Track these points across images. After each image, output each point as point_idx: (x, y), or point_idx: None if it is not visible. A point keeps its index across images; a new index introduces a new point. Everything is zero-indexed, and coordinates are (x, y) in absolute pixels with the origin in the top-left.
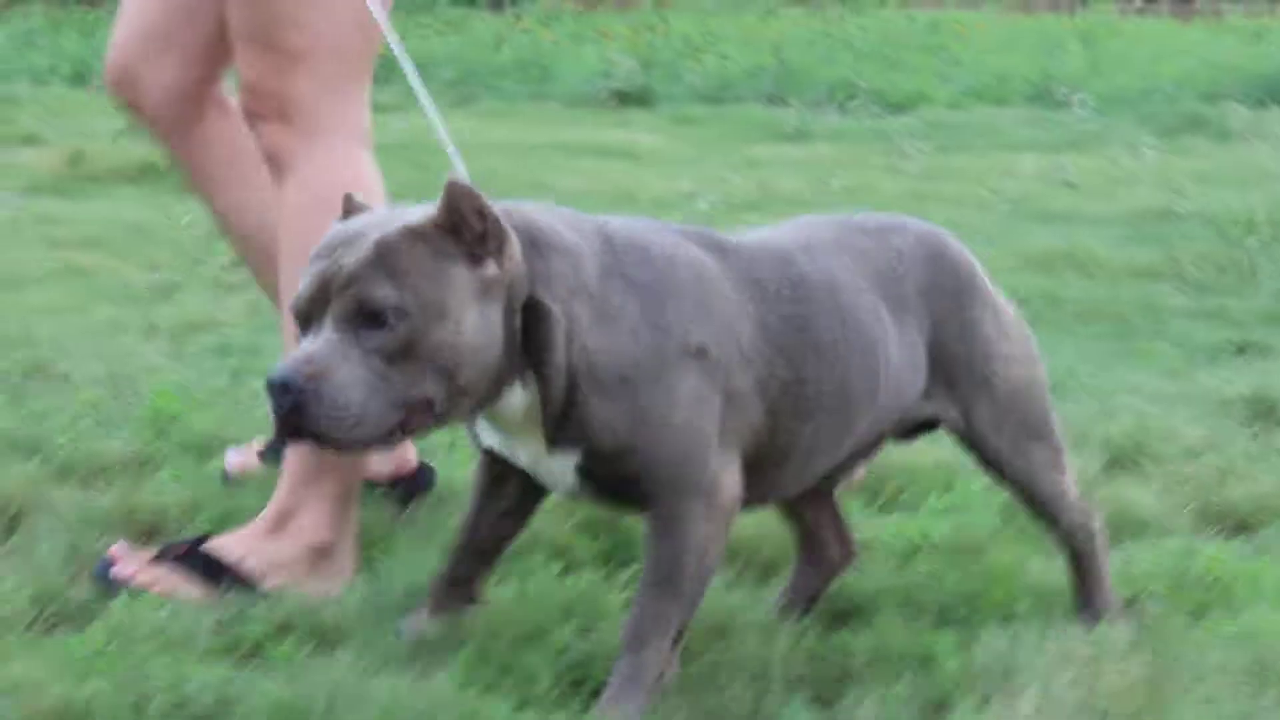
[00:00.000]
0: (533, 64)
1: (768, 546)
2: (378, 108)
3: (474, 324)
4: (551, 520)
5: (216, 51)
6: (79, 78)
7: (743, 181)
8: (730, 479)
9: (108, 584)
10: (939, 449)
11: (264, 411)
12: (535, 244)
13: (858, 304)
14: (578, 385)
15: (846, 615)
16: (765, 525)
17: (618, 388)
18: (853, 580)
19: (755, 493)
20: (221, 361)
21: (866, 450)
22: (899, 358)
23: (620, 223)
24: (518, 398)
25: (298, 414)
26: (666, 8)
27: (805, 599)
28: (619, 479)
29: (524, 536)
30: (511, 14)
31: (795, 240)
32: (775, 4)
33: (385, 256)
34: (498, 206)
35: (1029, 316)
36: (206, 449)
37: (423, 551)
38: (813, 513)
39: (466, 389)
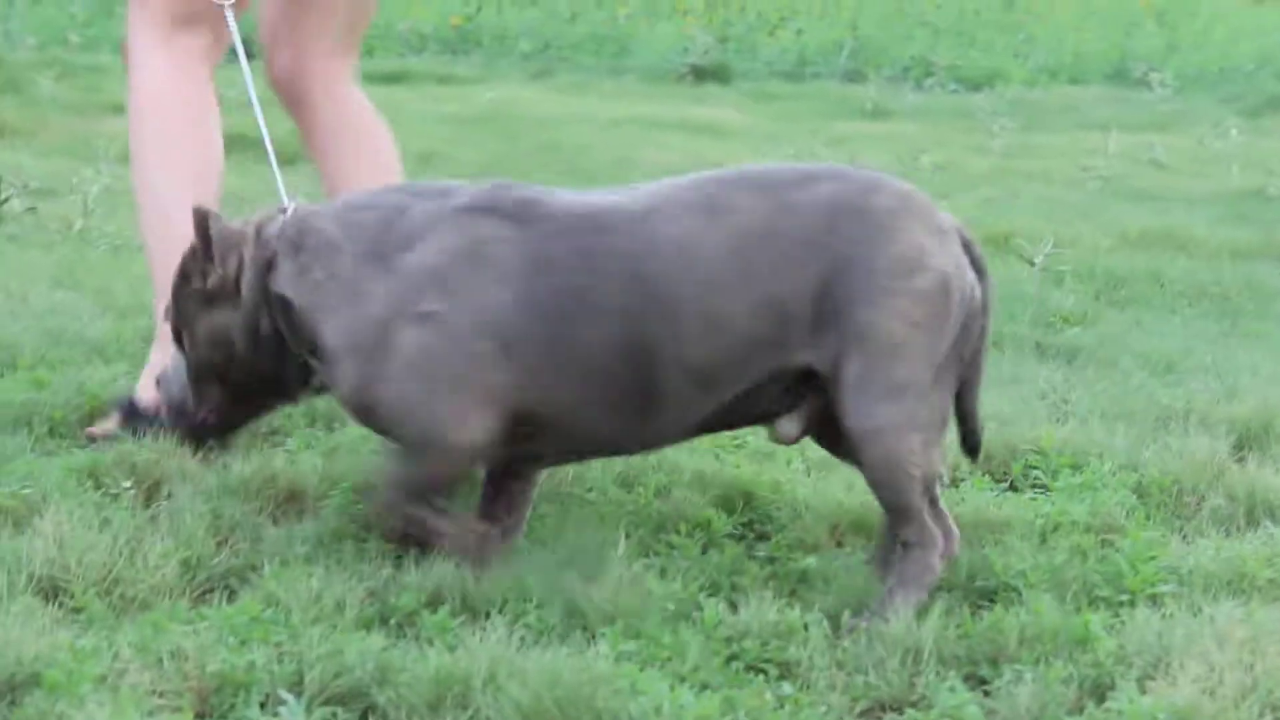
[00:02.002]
0: (609, 38)
1: None
2: (461, 80)
3: (204, 330)
4: (689, 495)
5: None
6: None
7: (830, 157)
8: (468, 425)
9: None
10: (1065, 428)
11: None
12: (295, 244)
13: (673, 269)
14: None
15: (993, 593)
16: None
17: (347, 356)
18: (996, 558)
19: (535, 447)
20: None
21: (756, 410)
22: (743, 315)
23: (415, 210)
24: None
25: None
26: None
27: None
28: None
29: (665, 511)
30: None
31: (642, 203)
32: None
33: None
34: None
35: (1132, 296)
36: (330, 418)
37: (567, 526)
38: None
39: (234, 386)
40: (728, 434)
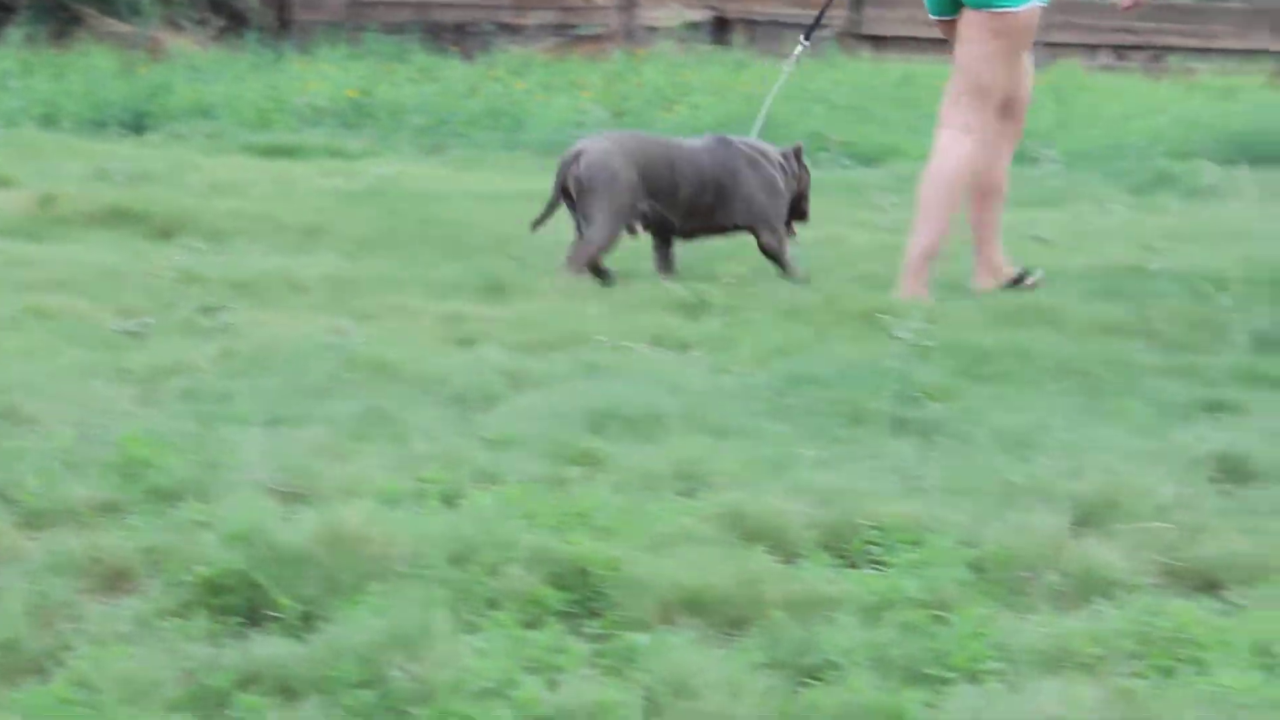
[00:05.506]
0: (504, 113)
1: (732, 604)
2: (351, 155)
3: None
4: (521, 572)
5: None
6: (49, 120)
7: None
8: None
9: None
10: (907, 504)
11: (234, 457)
12: None
13: None
14: None
15: (817, 671)
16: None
17: None
18: (824, 635)
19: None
20: (192, 407)
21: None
22: None
23: None
24: None
25: None
26: (638, 59)
27: None
28: None
29: (496, 588)
30: (484, 63)
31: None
32: (745, 57)
33: None
34: None
35: (998, 371)
36: (174, 495)
37: (392, 604)
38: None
39: None
40: (573, 507)
